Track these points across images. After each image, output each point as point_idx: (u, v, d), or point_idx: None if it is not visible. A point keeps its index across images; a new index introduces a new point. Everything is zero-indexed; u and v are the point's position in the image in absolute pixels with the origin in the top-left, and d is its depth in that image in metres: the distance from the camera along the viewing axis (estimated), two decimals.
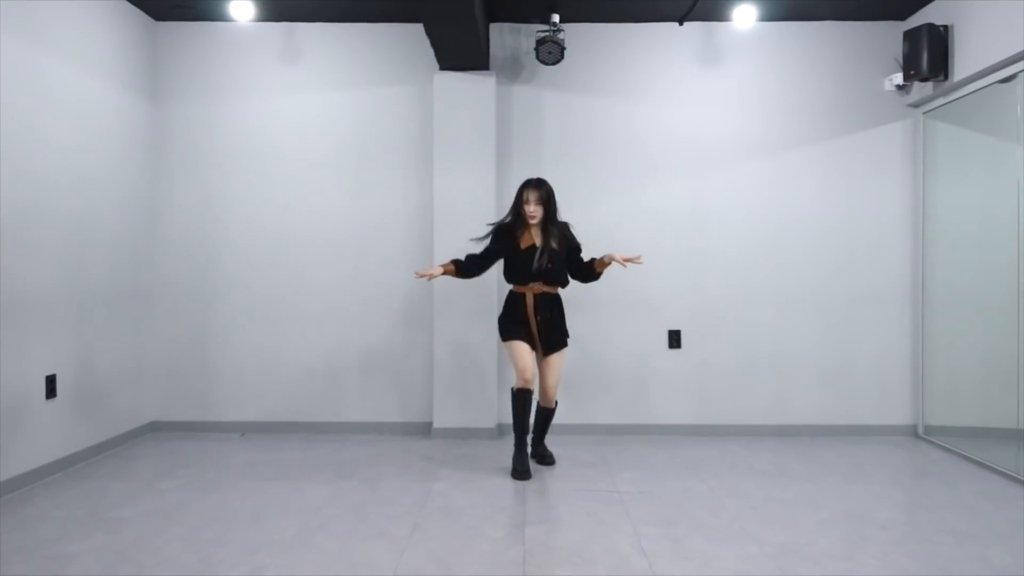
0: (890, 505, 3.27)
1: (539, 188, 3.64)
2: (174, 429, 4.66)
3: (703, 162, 4.66)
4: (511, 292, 3.77)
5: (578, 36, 4.63)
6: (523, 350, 3.67)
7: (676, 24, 4.63)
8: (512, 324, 3.71)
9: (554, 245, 3.66)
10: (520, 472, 3.63)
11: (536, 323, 3.67)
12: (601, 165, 4.65)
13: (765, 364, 4.65)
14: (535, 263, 3.64)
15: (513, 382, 3.78)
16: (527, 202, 3.63)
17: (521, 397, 3.69)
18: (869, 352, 4.63)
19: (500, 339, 3.83)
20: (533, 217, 3.64)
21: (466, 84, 4.48)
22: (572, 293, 3.92)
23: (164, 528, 2.93)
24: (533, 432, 3.88)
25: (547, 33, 4.31)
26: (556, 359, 3.76)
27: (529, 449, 3.85)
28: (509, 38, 4.66)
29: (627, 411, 4.66)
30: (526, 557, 2.65)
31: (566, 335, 3.81)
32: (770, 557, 2.66)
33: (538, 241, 3.67)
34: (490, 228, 3.78)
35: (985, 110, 3.98)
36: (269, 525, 2.97)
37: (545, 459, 3.90)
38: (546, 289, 3.69)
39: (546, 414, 3.88)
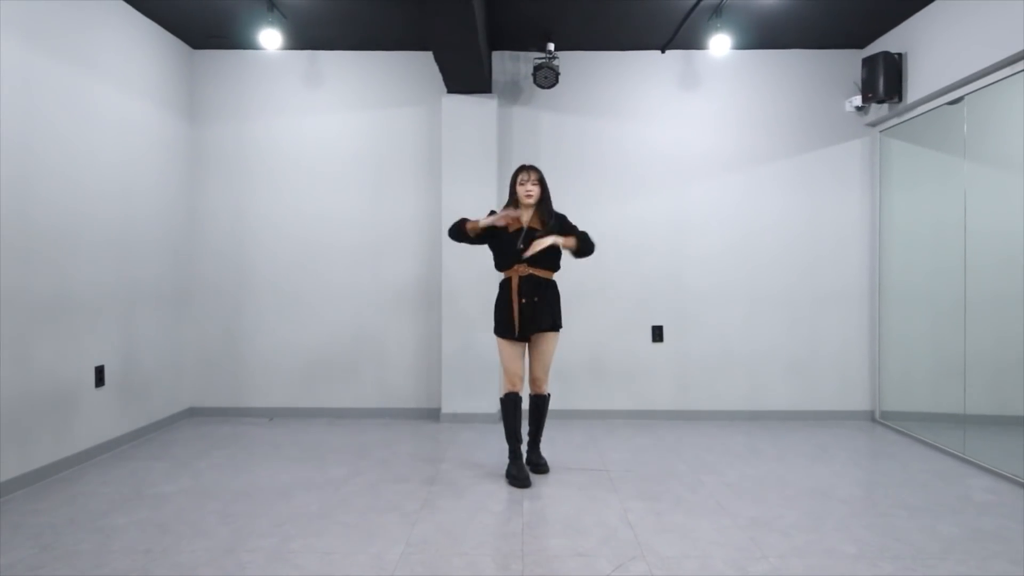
0: (850, 482, 3.26)
1: (535, 170, 3.27)
2: (209, 414, 4.65)
3: (683, 175, 4.64)
4: (501, 281, 3.32)
5: (571, 63, 4.62)
6: (511, 352, 3.25)
7: (659, 52, 4.64)
8: (498, 315, 3.26)
9: (539, 227, 3.21)
10: (517, 479, 3.17)
11: (519, 306, 3.18)
12: (592, 178, 4.64)
13: (738, 356, 4.63)
14: (518, 244, 3.19)
15: (501, 387, 3.40)
16: (524, 182, 3.22)
17: (509, 402, 3.25)
18: (831, 345, 4.62)
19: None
20: (530, 195, 3.21)
21: (471, 106, 4.46)
22: (564, 290, 3.67)
23: (201, 503, 2.93)
24: (528, 432, 3.41)
25: (543, 60, 4.31)
26: (543, 343, 3.26)
27: (524, 457, 3.33)
28: (509, 64, 4.65)
29: (615, 398, 4.64)
30: (524, 528, 2.65)
31: (556, 321, 3.27)
32: (742, 529, 2.65)
33: (525, 224, 3.24)
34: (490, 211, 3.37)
35: (935, 129, 3.97)
36: (294, 500, 2.96)
37: (539, 467, 3.35)
38: (532, 271, 3.19)
39: (539, 405, 3.35)
